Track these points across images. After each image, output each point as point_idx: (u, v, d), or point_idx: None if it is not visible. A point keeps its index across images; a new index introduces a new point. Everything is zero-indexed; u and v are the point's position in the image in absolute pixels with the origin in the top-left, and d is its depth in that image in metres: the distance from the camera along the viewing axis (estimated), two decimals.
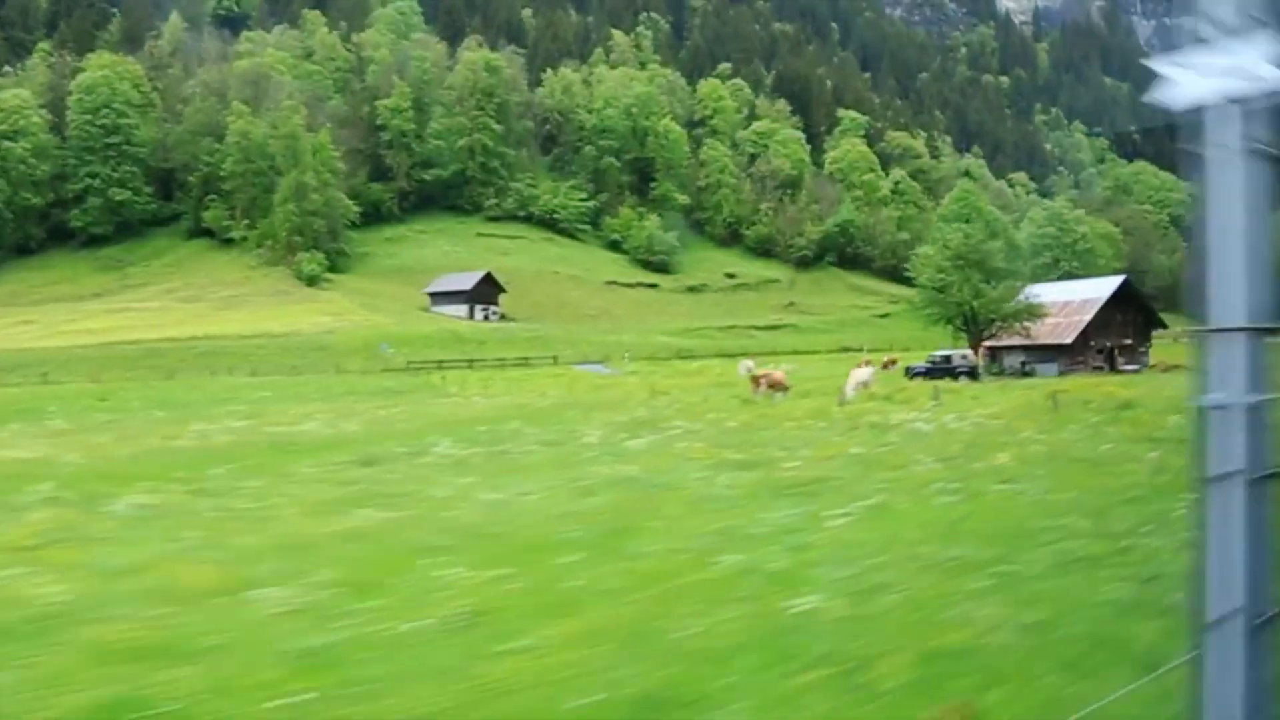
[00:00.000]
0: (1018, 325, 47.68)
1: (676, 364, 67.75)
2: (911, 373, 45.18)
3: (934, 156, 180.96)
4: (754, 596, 6.61)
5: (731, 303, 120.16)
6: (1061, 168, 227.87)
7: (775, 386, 32.14)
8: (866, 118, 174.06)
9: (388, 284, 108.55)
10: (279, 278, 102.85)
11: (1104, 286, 54.02)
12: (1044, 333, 49.97)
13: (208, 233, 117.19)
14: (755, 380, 32.36)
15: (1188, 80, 2.42)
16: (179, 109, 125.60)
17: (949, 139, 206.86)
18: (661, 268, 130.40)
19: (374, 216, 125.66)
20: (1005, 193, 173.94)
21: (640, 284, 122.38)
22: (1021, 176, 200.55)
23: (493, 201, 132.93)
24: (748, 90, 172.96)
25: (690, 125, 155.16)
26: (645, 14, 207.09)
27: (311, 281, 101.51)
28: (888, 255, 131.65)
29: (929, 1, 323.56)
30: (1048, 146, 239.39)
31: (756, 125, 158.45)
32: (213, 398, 46.06)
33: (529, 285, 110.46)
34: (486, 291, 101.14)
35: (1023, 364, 50.39)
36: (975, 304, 46.10)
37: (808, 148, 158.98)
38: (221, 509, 12.30)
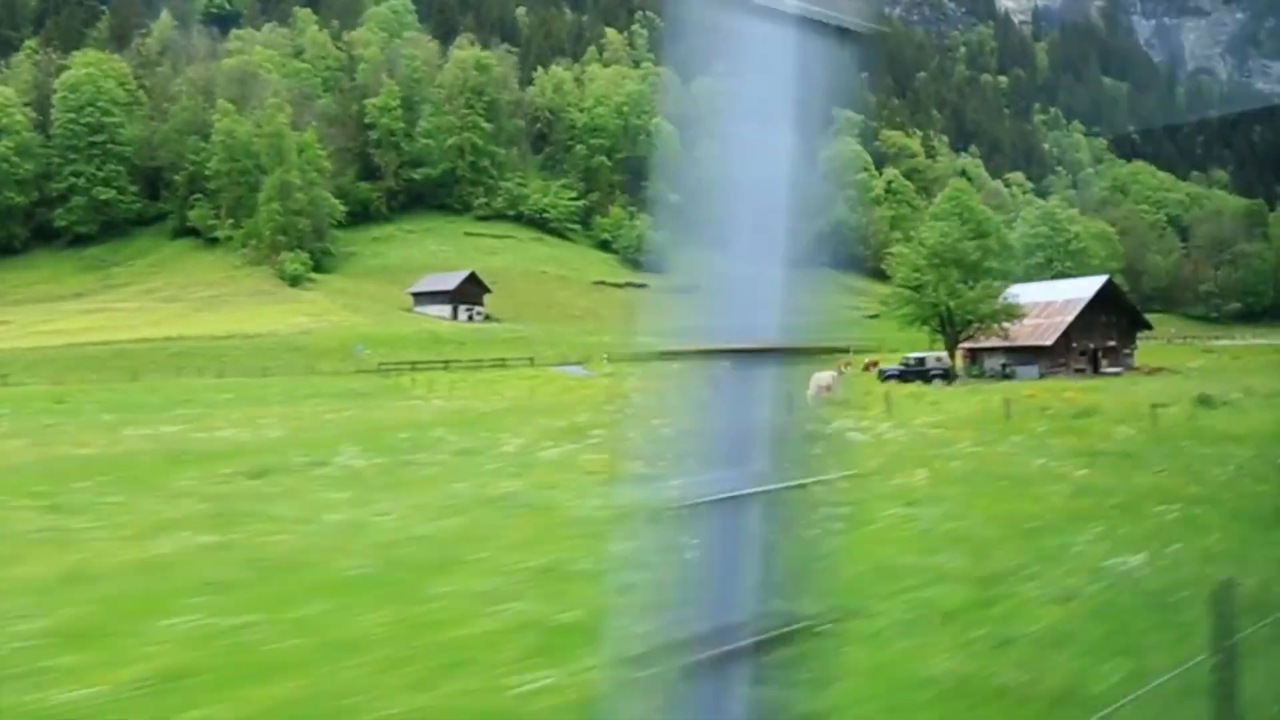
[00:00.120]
0: (995, 326, 46.33)
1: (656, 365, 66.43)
2: (884, 375, 43.90)
3: (930, 156, 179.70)
4: (500, 664, 5.42)
5: None
6: (1060, 167, 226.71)
7: None
8: (861, 117, 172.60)
9: (372, 284, 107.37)
10: (261, 278, 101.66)
11: (1086, 287, 52.61)
12: (1024, 334, 48.62)
13: (193, 232, 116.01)
14: None
15: None
16: (166, 107, 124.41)
17: (946, 138, 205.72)
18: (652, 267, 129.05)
19: (362, 216, 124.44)
20: (1001, 192, 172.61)
21: (629, 284, 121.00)
22: (1018, 176, 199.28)
23: (482, 201, 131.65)
24: None
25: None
26: (641, 12, 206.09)
27: (294, 281, 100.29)
28: (880, 255, 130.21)
29: (928, 1, 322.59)
30: (1046, 146, 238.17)
31: None
32: (171, 400, 44.90)
33: (515, 285, 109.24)
34: (470, 291, 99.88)
35: (1003, 366, 49.06)
36: (951, 304, 44.72)
37: None
38: (46, 529, 11.43)
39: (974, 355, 51.66)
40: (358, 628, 6.19)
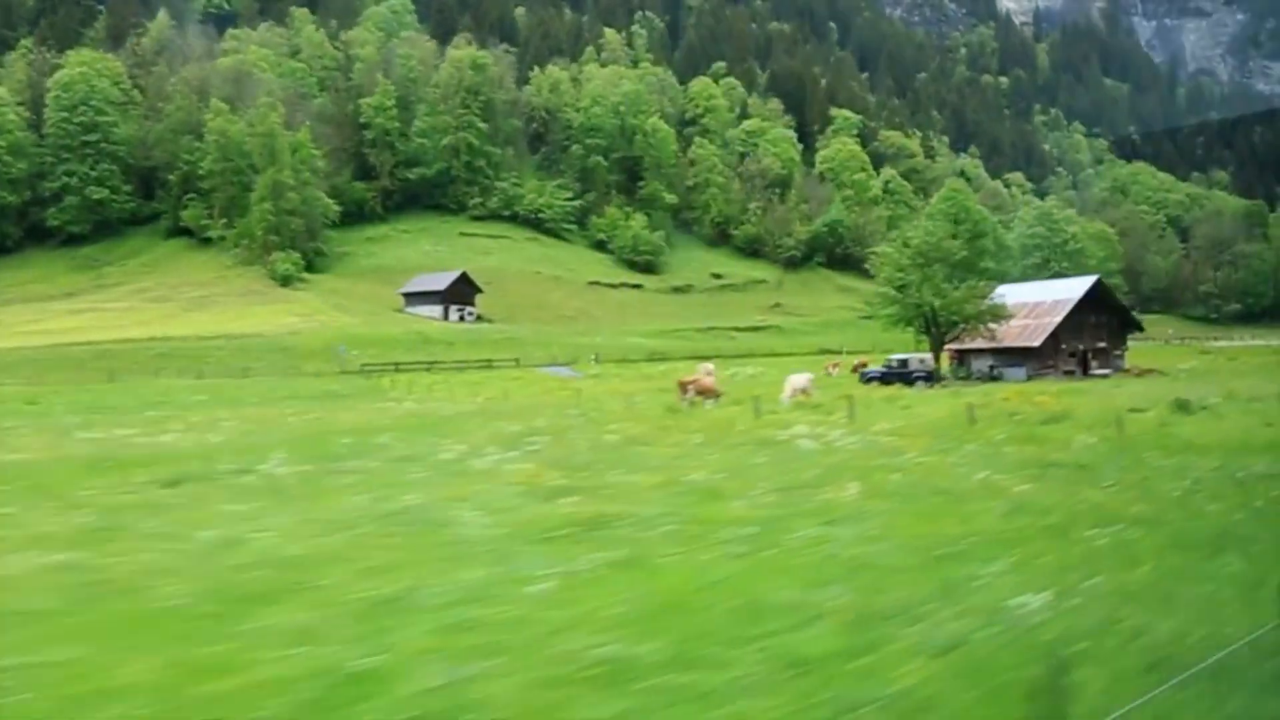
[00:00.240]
0: (982, 328, 45.38)
1: (644, 367, 65.65)
2: (865, 378, 43.02)
3: (929, 156, 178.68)
4: None
5: (716, 304, 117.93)
6: (1060, 168, 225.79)
7: (705, 393, 30.13)
8: (860, 117, 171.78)
9: (365, 284, 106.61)
10: (252, 278, 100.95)
11: (1076, 287, 51.55)
12: (1012, 335, 47.67)
13: (187, 232, 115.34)
14: (682, 386, 30.33)
15: None
16: (160, 107, 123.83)
17: (945, 139, 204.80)
18: (647, 268, 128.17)
19: (356, 215, 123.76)
20: (1000, 193, 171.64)
21: (624, 284, 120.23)
22: (1018, 177, 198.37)
23: (477, 200, 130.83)
24: (740, 89, 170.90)
25: (682, 124, 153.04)
26: (641, 13, 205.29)
27: (285, 282, 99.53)
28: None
29: (929, 2, 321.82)
30: (1046, 147, 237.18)
31: (746, 124, 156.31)
32: (144, 402, 44.33)
33: (509, 285, 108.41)
34: (462, 292, 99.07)
35: (991, 368, 48.09)
36: (936, 304, 43.72)
37: (799, 147, 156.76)
38: None
39: (962, 357, 50.73)
40: (121, 676, 5.38)
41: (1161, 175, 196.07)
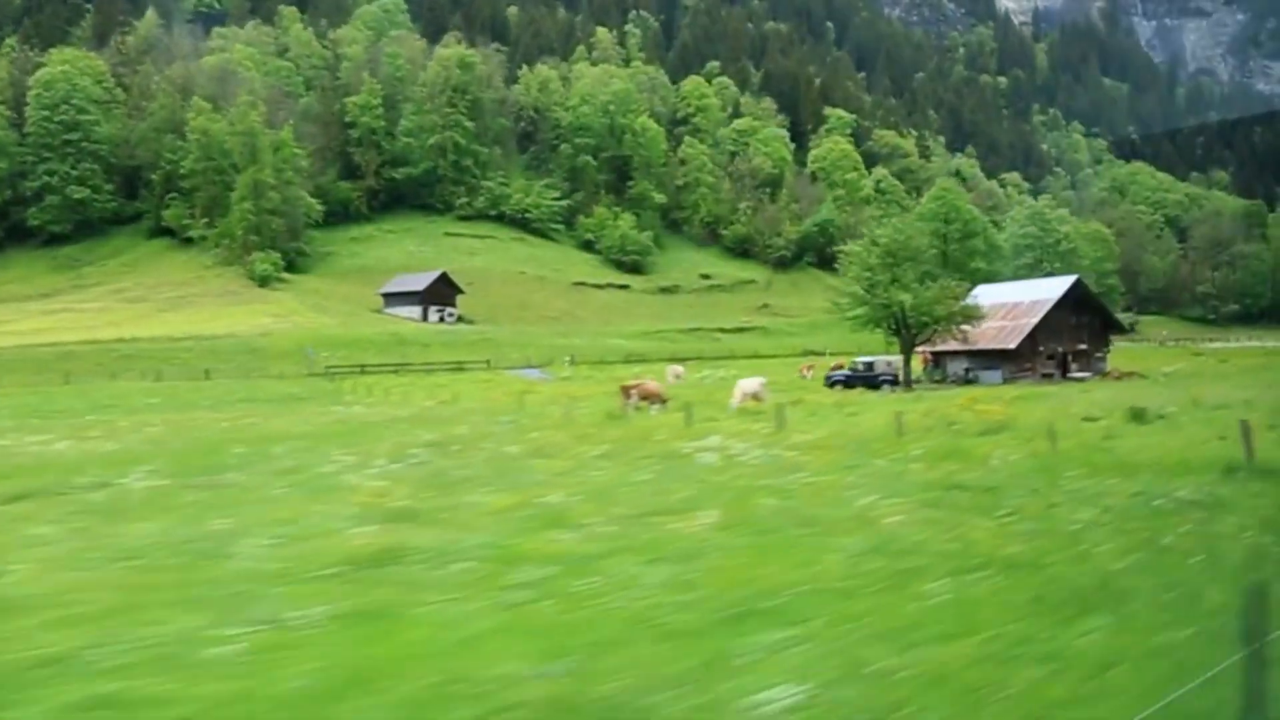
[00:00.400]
0: (954, 329, 43.86)
1: (619, 369, 64.18)
2: (830, 381, 41.56)
3: (924, 156, 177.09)
4: None
5: (704, 305, 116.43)
6: (1058, 168, 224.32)
7: (649, 398, 28.72)
8: (854, 116, 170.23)
9: (346, 285, 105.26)
10: (231, 278, 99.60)
11: (1055, 287, 50.00)
12: (987, 337, 46.15)
13: (169, 232, 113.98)
14: (625, 391, 28.91)
15: None
16: (144, 106, 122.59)
17: (942, 139, 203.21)
18: (635, 268, 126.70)
19: (341, 215, 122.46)
20: (996, 193, 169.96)
21: (610, 285, 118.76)
22: (1014, 177, 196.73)
23: (464, 200, 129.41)
24: (733, 88, 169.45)
25: (674, 123, 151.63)
26: (635, 12, 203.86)
27: (263, 282, 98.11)
28: None
29: (927, 1, 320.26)
30: (1045, 147, 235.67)
31: (738, 123, 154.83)
32: (93, 405, 43.02)
33: (492, 286, 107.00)
34: (442, 292, 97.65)
35: (966, 371, 46.64)
36: (906, 305, 42.18)
37: (792, 146, 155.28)
38: None
39: (937, 359, 49.26)
40: None
41: (1160, 175, 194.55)
